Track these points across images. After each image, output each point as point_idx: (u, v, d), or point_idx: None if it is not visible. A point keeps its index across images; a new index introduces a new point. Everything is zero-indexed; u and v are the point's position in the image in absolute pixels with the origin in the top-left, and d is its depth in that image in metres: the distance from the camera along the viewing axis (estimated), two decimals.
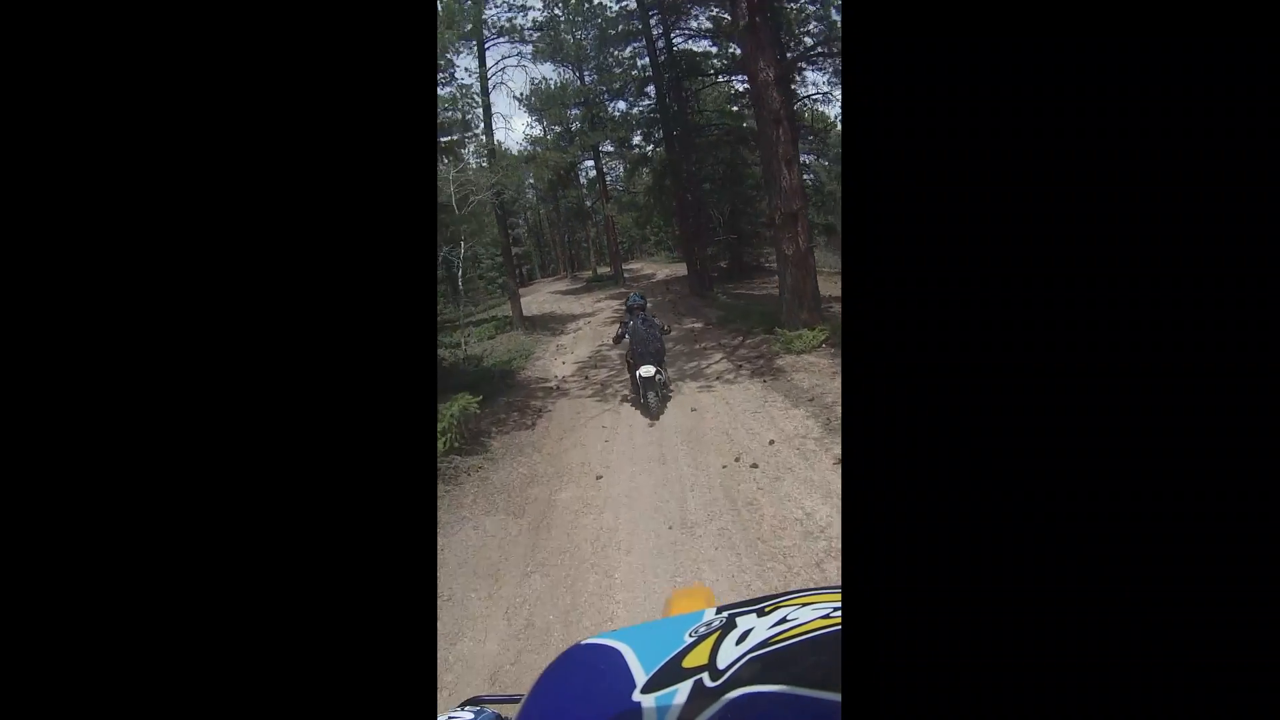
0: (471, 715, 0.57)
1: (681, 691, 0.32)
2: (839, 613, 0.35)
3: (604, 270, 18.82)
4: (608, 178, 17.30)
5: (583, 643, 0.48)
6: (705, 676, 0.33)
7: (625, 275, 16.45)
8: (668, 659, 0.38)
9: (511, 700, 0.68)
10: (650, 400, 4.83)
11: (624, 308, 5.56)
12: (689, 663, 0.36)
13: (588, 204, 18.09)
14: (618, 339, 5.30)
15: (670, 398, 5.19)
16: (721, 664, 0.33)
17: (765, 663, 0.32)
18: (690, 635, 0.40)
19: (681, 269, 15.74)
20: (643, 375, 4.81)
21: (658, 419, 4.82)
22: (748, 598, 0.45)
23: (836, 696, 0.27)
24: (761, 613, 0.39)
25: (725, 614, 0.42)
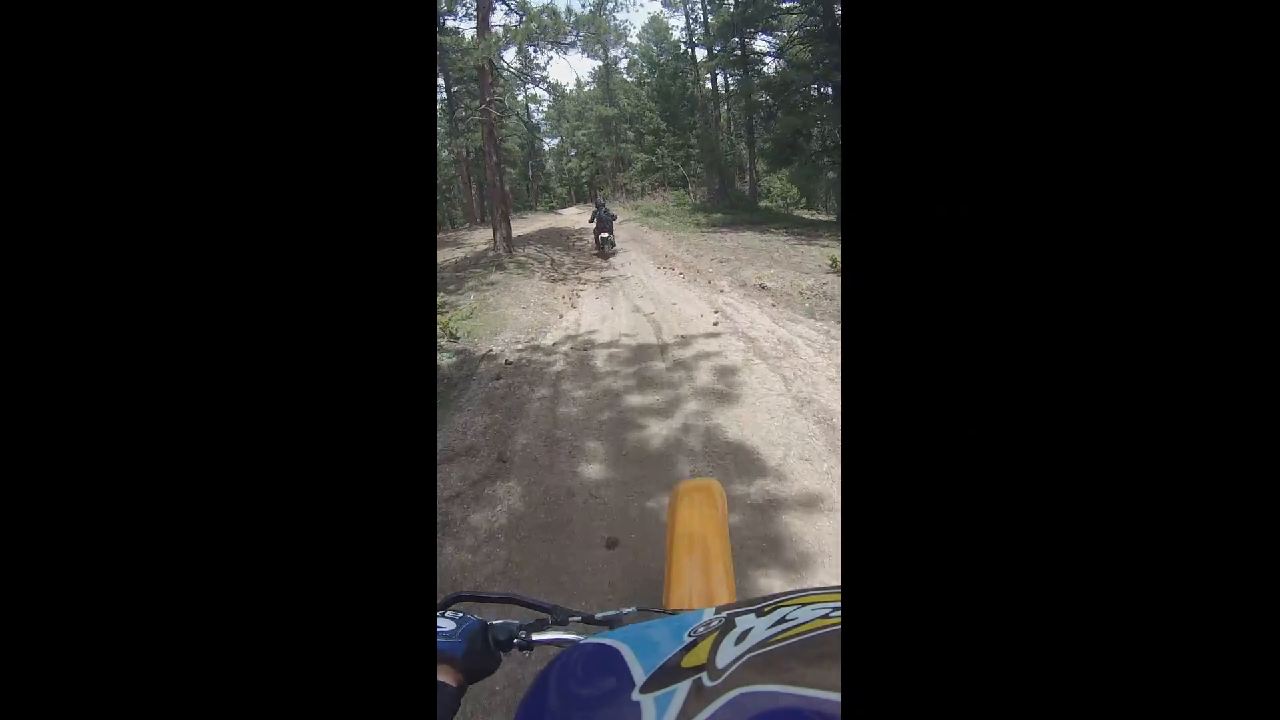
0: (454, 625, 0.55)
1: (680, 691, 0.32)
2: (839, 613, 0.35)
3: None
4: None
5: (582, 642, 0.48)
6: (704, 676, 0.33)
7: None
8: (667, 658, 0.38)
9: (493, 599, 0.66)
10: (605, 249, 9.57)
11: (595, 208, 9.99)
12: (688, 662, 0.36)
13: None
14: (592, 218, 9.80)
15: (616, 249, 9.82)
16: (720, 663, 0.33)
17: (764, 662, 0.32)
18: (689, 635, 0.40)
19: (717, 240, 7.99)
20: (603, 236, 9.53)
21: (609, 259, 9.34)
22: (748, 599, 0.45)
23: (836, 696, 0.27)
24: (761, 613, 0.39)
25: (725, 614, 0.42)
